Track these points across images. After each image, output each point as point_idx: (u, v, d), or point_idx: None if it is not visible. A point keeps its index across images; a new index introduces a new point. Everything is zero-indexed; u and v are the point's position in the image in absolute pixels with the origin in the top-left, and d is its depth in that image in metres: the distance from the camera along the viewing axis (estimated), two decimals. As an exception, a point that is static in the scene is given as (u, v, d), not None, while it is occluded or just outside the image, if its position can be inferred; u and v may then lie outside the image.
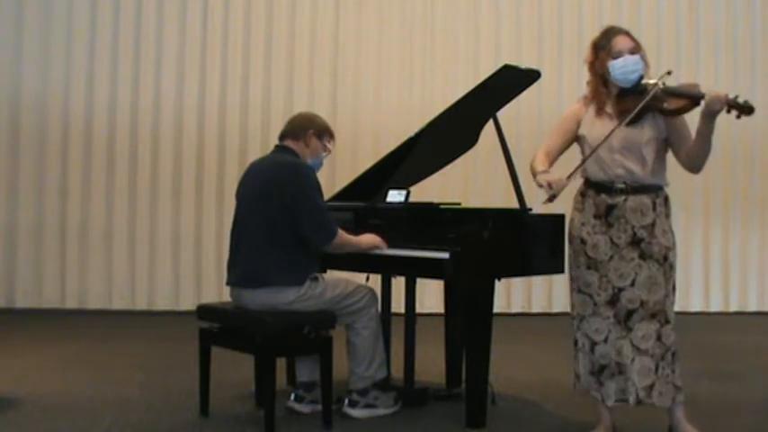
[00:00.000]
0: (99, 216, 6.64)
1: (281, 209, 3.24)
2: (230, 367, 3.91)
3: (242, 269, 3.33)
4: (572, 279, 3.14)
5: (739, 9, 7.42)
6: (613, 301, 3.00)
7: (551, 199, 2.99)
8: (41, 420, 3.33)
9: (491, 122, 3.64)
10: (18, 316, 6.34)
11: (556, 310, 7.04)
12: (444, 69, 6.97)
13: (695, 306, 7.31)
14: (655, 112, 2.99)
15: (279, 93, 6.83)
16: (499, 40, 7.08)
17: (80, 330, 5.79)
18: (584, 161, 3.05)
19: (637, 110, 2.93)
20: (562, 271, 3.50)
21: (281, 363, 3.47)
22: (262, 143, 6.64)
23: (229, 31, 6.80)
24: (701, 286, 7.37)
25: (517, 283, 6.93)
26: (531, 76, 3.62)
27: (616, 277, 3.00)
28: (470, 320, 3.26)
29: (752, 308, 7.41)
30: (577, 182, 3.15)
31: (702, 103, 2.87)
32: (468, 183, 6.85)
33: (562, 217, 3.51)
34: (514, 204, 3.44)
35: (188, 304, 6.45)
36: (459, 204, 4.23)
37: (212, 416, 3.41)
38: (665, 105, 2.95)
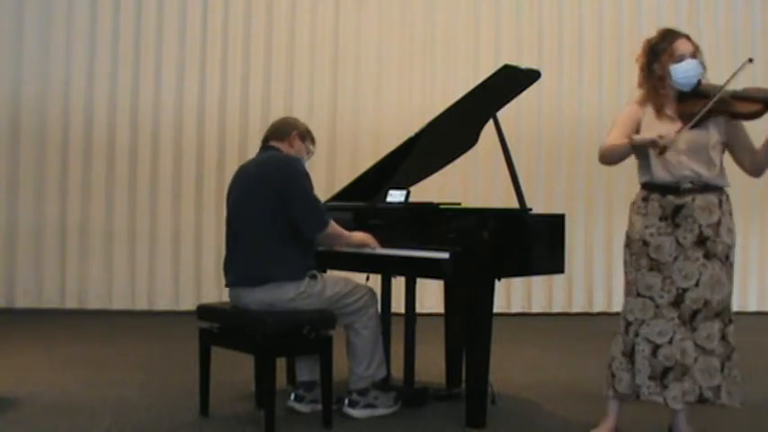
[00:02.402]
0: (99, 216, 6.63)
1: (273, 198, 3.24)
2: (230, 367, 3.91)
3: (239, 269, 3.33)
4: (628, 283, 3.08)
5: (739, 9, 7.42)
6: (677, 303, 2.96)
7: (663, 151, 2.92)
8: (41, 420, 3.32)
9: (491, 122, 3.64)
10: (18, 316, 6.34)
11: (556, 310, 7.06)
12: (444, 69, 6.97)
13: (695, 306, 7.29)
14: (722, 115, 2.96)
15: (279, 93, 6.83)
16: (499, 40, 7.07)
17: (80, 330, 5.78)
18: (699, 115, 2.91)
19: (703, 112, 2.89)
20: (562, 271, 3.51)
21: (281, 363, 3.47)
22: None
23: (229, 31, 6.80)
24: (701, 286, 7.36)
25: (517, 283, 6.93)
26: (531, 76, 3.62)
27: (681, 278, 2.96)
28: (470, 320, 3.26)
29: (752, 308, 7.41)
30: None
31: None
32: (468, 183, 6.85)
33: (562, 217, 3.52)
34: (514, 204, 3.45)
35: (188, 304, 6.45)
36: (459, 204, 4.23)
37: (212, 416, 3.41)
38: (736, 109, 2.92)
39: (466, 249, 3.20)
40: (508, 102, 3.73)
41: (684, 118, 2.96)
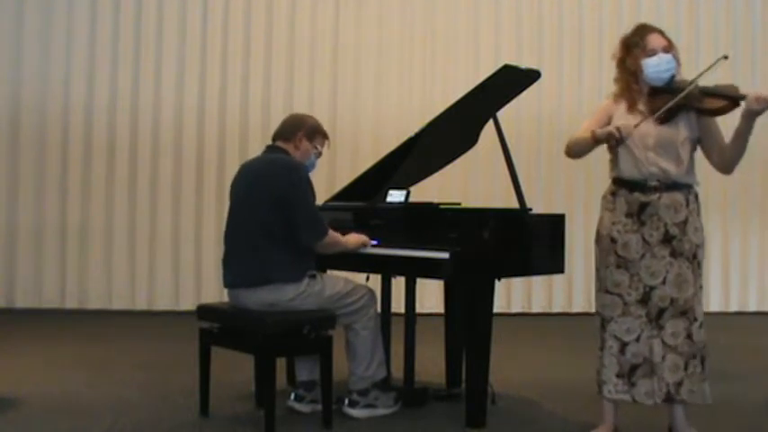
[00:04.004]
0: (99, 216, 6.64)
1: (274, 203, 3.24)
2: (230, 367, 3.91)
3: (239, 270, 3.32)
4: (598, 279, 3.11)
5: (739, 9, 7.42)
6: (645, 300, 2.97)
7: (620, 142, 2.92)
8: (41, 420, 3.33)
9: (491, 122, 3.64)
10: (18, 316, 6.34)
11: (556, 310, 7.06)
12: (444, 69, 6.97)
13: (695, 306, 7.29)
14: (691, 111, 2.95)
15: (279, 93, 6.83)
16: (499, 40, 7.07)
17: (80, 330, 5.79)
18: (665, 108, 2.90)
19: (668, 106, 2.89)
20: (562, 271, 3.51)
21: (281, 363, 3.47)
22: (262, 143, 6.53)
23: (229, 31, 6.80)
24: (701, 286, 7.36)
25: (517, 283, 6.93)
26: (531, 76, 3.62)
27: (647, 276, 2.97)
28: (470, 320, 3.26)
29: (752, 308, 7.41)
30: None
31: (743, 103, 2.83)
32: (468, 183, 6.85)
33: (562, 217, 3.52)
34: (514, 204, 3.44)
35: (188, 304, 6.45)
36: (459, 204, 4.23)
37: (212, 416, 3.41)
38: (704, 105, 2.90)
39: (466, 249, 3.20)
40: (508, 102, 3.73)
41: (654, 113, 2.94)
